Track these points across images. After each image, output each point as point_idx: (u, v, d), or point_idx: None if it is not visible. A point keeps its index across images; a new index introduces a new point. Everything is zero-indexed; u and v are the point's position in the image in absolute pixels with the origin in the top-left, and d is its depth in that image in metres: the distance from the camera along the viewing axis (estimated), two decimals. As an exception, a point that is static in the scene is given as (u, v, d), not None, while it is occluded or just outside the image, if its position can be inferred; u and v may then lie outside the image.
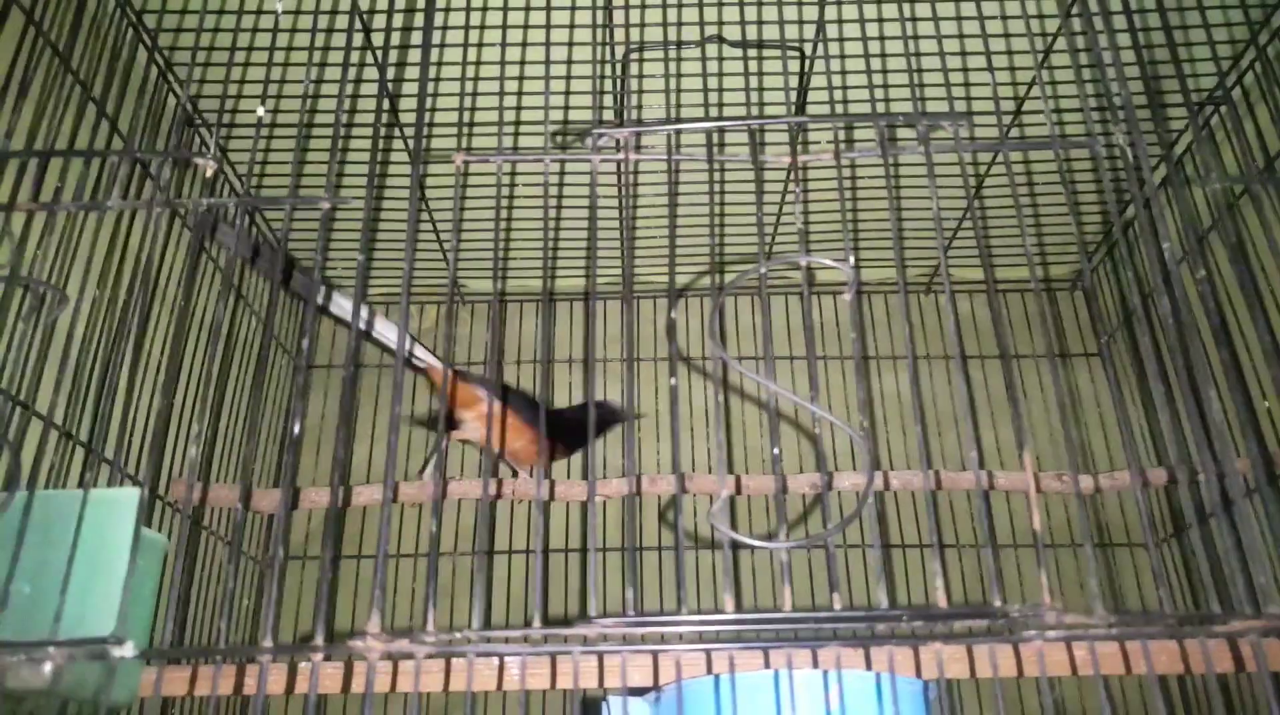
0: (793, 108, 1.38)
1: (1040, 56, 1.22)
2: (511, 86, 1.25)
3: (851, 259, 0.65)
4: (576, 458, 1.77)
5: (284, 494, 0.58)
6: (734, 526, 0.58)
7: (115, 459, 0.71)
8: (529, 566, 1.60)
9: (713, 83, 1.30)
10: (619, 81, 1.32)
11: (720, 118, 1.05)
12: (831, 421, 0.59)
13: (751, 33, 1.21)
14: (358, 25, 1.16)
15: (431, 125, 1.31)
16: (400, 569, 1.66)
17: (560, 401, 1.80)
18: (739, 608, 0.58)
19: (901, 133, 1.42)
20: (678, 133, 0.70)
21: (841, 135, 1.41)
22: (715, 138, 1.26)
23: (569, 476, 1.75)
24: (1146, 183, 0.69)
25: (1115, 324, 1.76)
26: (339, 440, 0.58)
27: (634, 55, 1.24)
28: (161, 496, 1.26)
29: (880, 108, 1.32)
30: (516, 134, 1.38)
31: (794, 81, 1.32)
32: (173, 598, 0.56)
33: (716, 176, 1.50)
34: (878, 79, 1.30)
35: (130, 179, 0.99)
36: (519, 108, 1.28)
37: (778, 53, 1.28)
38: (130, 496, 0.62)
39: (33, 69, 0.92)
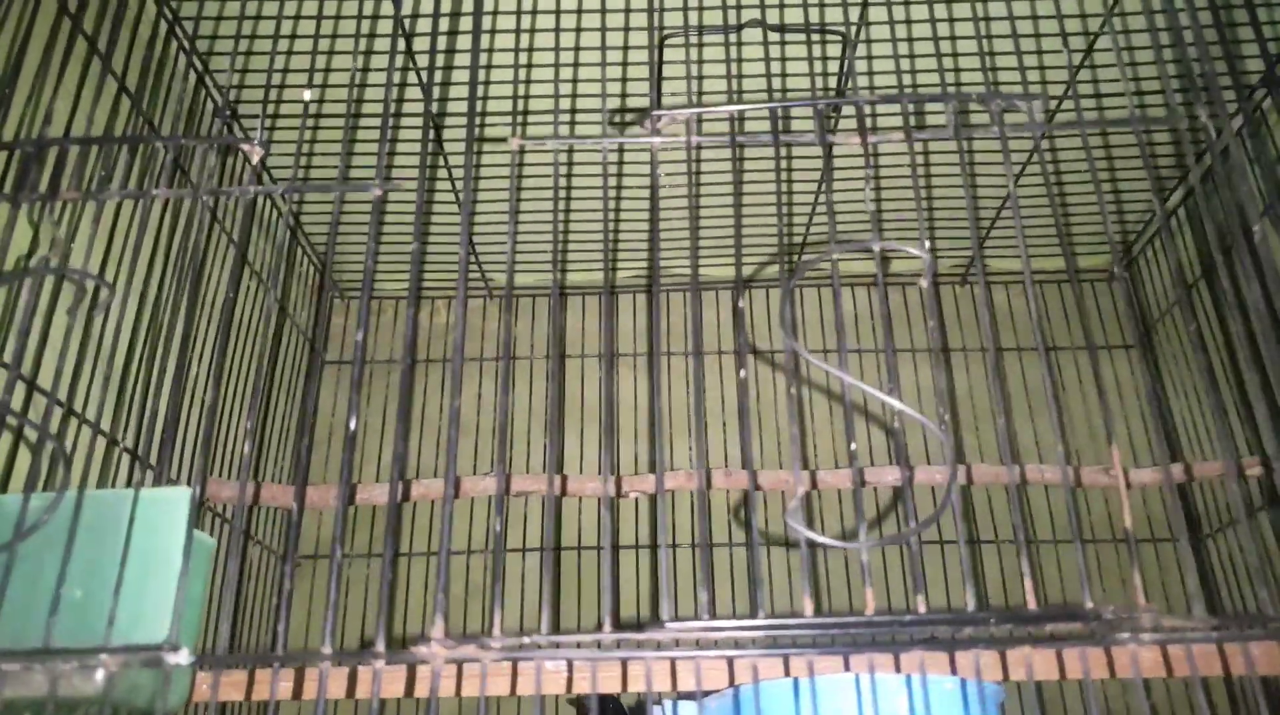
0: (838, 91, 1.35)
1: (1112, 24, 1.18)
2: (560, 71, 1.22)
3: (927, 244, 0.63)
4: (644, 452, 1.75)
5: (342, 490, 0.56)
6: (810, 525, 0.56)
7: (160, 464, 0.69)
8: (599, 564, 1.57)
9: (759, 68, 1.28)
10: (656, 67, 1.29)
11: (783, 98, 1.02)
12: (911, 416, 0.57)
13: (795, 16, 1.18)
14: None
15: (485, 114, 1.29)
16: (459, 565, 1.64)
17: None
18: (818, 611, 0.56)
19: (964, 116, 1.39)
20: (741, 114, 0.67)
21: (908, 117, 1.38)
22: (779, 119, 1.23)
23: (635, 470, 1.73)
24: (1225, 136, 0.66)
25: (1163, 310, 1.73)
26: (398, 435, 0.56)
27: (675, 40, 1.21)
28: (207, 506, 1.24)
29: (923, 91, 1.30)
30: (560, 118, 1.36)
31: (836, 66, 1.29)
32: (227, 601, 0.54)
33: (768, 161, 1.47)
34: (921, 62, 1.28)
35: (171, 171, 0.97)
36: (574, 94, 1.25)
37: (822, 35, 1.26)
38: (181, 496, 0.60)
39: (69, 63, 0.90)
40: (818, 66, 1.27)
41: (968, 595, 0.56)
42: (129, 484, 1.02)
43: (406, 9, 1.16)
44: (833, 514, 1.65)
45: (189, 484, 1.22)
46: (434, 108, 1.31)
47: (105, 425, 0.98)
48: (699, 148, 0.69)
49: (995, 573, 1.61)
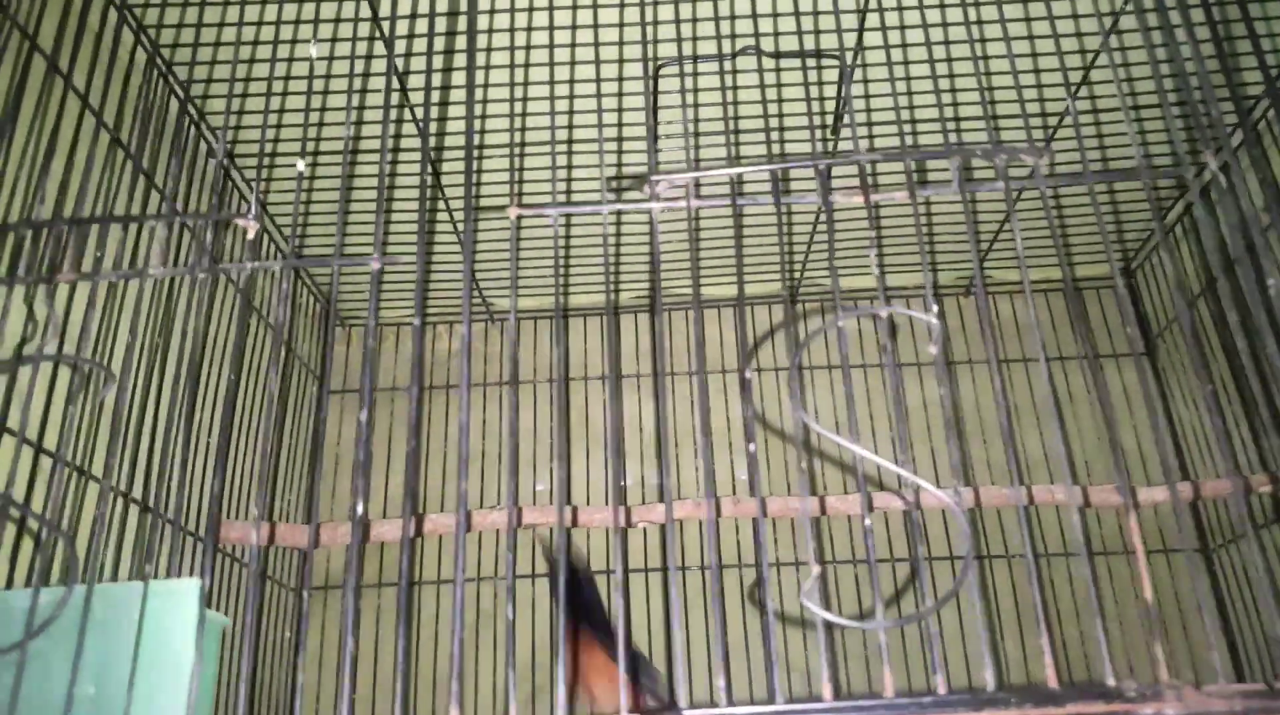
0: (829, 116, 1.34)
1: (1109, 46, 1.17)
2: (552, 134, 1.22)
3: (935, 308, 0.62)
4: (651, 474, 1.74)
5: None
6: (825, 600, 0.55)
7: (176, 517, 0.68)
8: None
9: (755, 95, 1.27)
10: (651, 98, 1.28)
11: (784, 158, 1.01)
12: (929, 491, 0.56)
13: (789, 44, 1.17)
14: (395, 84, 1.13)
15: (479, 184, 1.29)
16: (470, 592, 1.63)
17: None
18: (837, 694, 0.55)
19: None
20: (740, 177, 0.66)
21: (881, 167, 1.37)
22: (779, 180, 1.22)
23: (642, 492, 1.72)
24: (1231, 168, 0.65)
25: (1165, 322, 1.72)
26: (404, 540, 0.55)
27: (669, 71, 1.20)
28: (222, 550, 1.24)
29: (916, 128, 1.29)
30: (570, 183, 1.34)
31: (831, 91, 1.28)
32: (243, 681, 0.54)
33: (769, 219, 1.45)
34: (918, 84, 1.27)
35: (170, 235, 0.96)
36: (570, 153, 1.25)
37: (813, 63, 1.25)
38: (190, 588, 0.59)
39: (59, 121, 0.89)
40: (813, 91, 1.26)
41: (987, 675, 0.56)
42: (140, 538, 1.02)
43: (400, 66, 1.16)
44: (848, 590, 1.61)
45: (200, 531, 1.22)
46: (430, 168, 1.31)
47: (111, 479, 0.97)
48: (698, 211, 0.68)
49: (1011, 619, 1.60)
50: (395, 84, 1.19)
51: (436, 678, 1.56)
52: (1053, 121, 1.38)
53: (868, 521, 0.58)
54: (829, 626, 0.55)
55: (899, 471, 0.57)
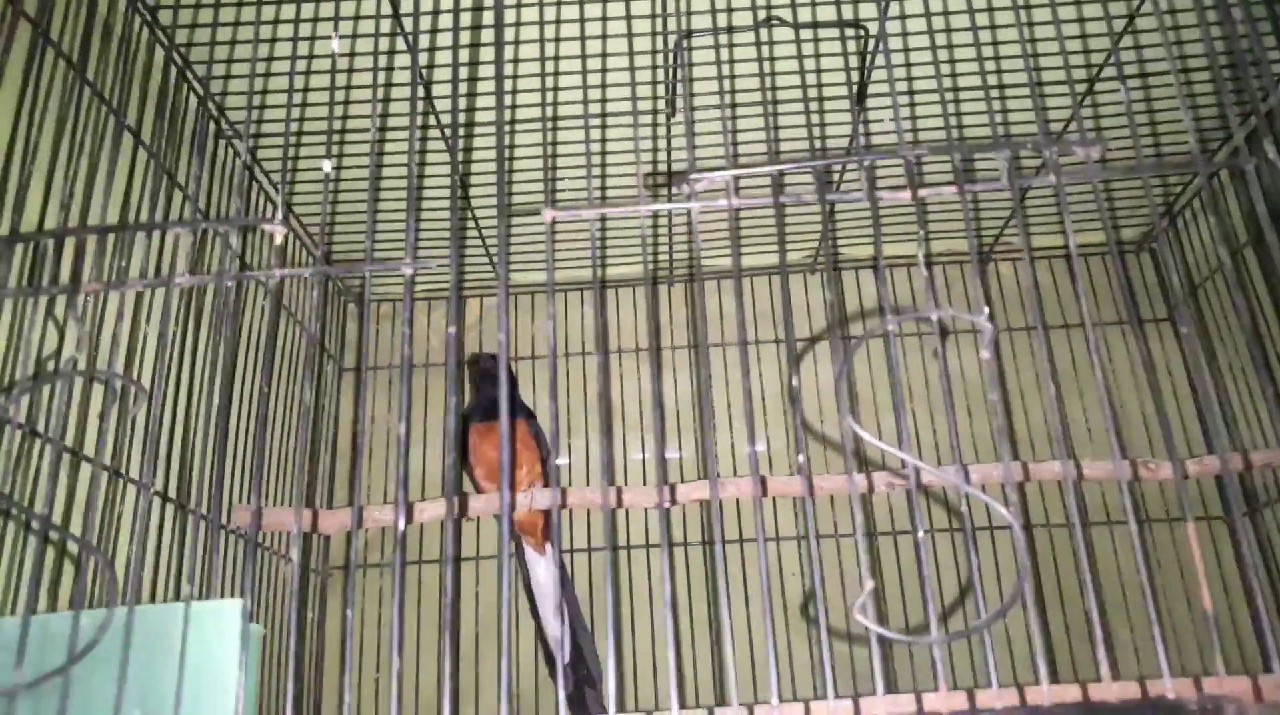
0: (861, 87, 1.30)
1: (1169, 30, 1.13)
2: (587, 123, 1.20)
3: (986, 310, 0.60)
4: (689, 447, 1.73)
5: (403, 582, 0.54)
6: (876, 613, 0.54)
7: (213, 513, 0.68)
8: (653, 631, 1.57)
9: (779, 66, 1.23)
10: (672, 71, 1.25)
11: (824, 153, 0.98)
12: (982, 500, 0.54)
13: (808, 15, 1.14)
14: (420, 84, 1.11)
15: (511, 184, 1.27)
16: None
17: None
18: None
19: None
20: (781, 173, 0.64)
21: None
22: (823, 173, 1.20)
23: (680, 466, 1.71)
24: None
25: (1207, 273, 1.67)
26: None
27: (700, 57, 1.17)
28: (261, 543, 1.25)
29: (960, 103, 1.24)
30: (604, 179, 1.31)
31: (855, 63, 1.24)
32: (290, 692, 0.53)
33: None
34: (945, 59, 1.23)
35: (195, 240, 0.96)
36: (604, 152, 1.22)
37: (836, 34, 1.21)
38: (231, 609, 0.59)
39: (83, 121, 0.88)
40: (839, 63, 1.22)
41: (1043, 686, 0.54)
42: (176, 536, 1.02)
43: (424, 60, 1.14)
44: (895, 600, 1.59)
45: (234, 525, 1.22)
46: (460, 170, 1.29)
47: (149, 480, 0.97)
48: (738, 210, 0.66)
49: (1055, 604, 1.58)
50: (419, 81, 1.16)
51: (479, 652, 1.57)
52: (1090, 89, 1.33)
53: (920, 534, 0.56)
54: (881, 640, 0.54)
55: (956, 482, 0.56)
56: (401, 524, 0.57)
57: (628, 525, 1.66)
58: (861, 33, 1.21)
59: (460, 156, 1.28)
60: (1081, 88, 1.32)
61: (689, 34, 1.16)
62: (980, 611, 0.55)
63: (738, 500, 1.61)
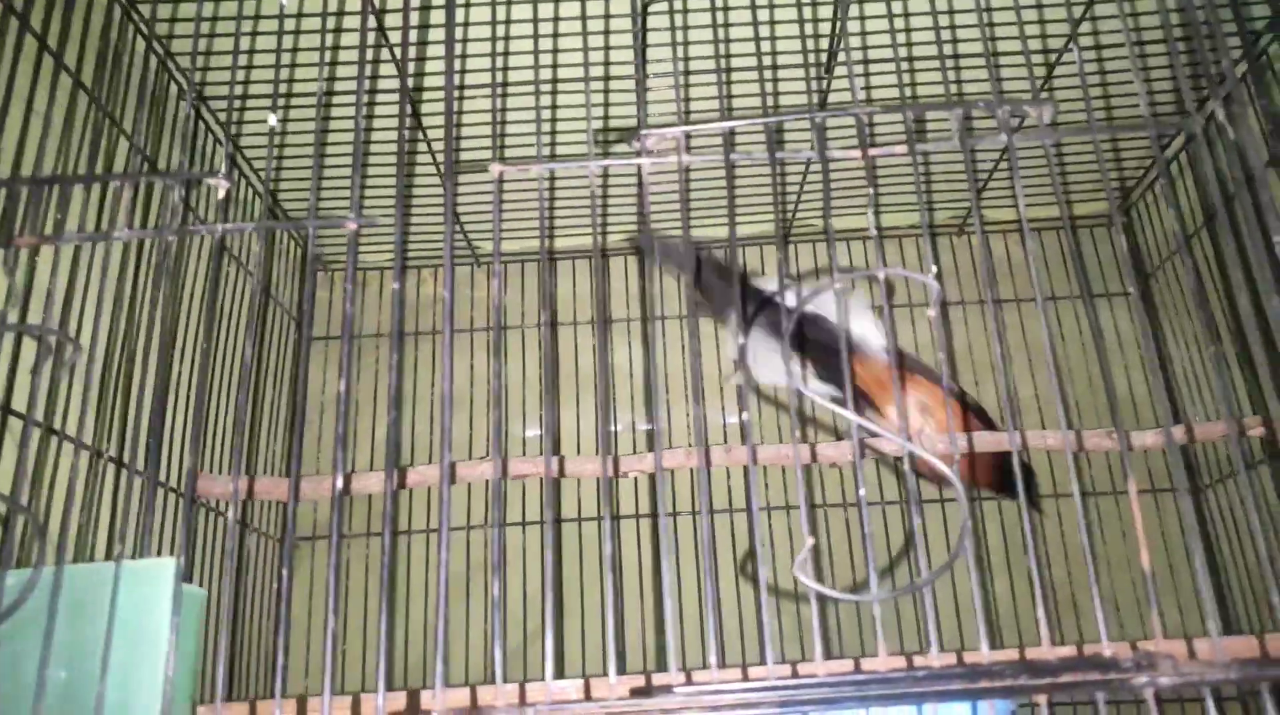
0: (821, 68, 1.30)
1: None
2: (538, 83, 1.18)
3: (935, 269, 0.60)
4: (640, 419, 1.73)
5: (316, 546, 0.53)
6: (818, 572, 0.54)
7: (149, 470, 0.66)
8: (602, 601, 1.56)
9: (747, 34, 1.22)
10: (638, 36, 1.24)
11: (778, 108, 0.98)
12: (929, 460, 0.54)
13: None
14: (372, 24, 1.08)
15: (460, 138, 1.25)
16: (459, 541, 1.62)
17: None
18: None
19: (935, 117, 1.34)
20: (732, 132, 0.63)
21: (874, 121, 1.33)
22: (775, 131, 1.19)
23: (633, 440, 1.71)
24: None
25: (1164, 256, 1.69)
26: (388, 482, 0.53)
27: (656, 11, 1.15)
28: (197, 500, 1.23)
29: (915, 73, 1.24)
30: (554, 135, 1.30)
31: (823, 44, 1.24)
32: (221, 651, 0.52)
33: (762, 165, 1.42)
34: (915, 19, 1.22)
35: (137, 192, 0.93)
36: (553, 98, 1.20)
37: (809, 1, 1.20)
38: (165, 567, 0.58)
39: (15, 66, 0.85)
40: (809, 31, 1.22)
41: (983, 647, 0.55)
42: (114, 496, 1.00)
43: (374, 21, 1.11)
44: (842, 561, 1.58)
45: (179, 485, 1.20)
46: (410, 119, 1.26)
47: (87, 437, 0.95)
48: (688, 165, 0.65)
49: (1002, 570, 1.60)
50: (372, 25, 1.14)
51: (427, 626, 1.57)
52: (1054, 59, 1.34)
53: (862, 491, 0.56)
54: (821, 598, 0.54)
55: (896, 440, 0.56)
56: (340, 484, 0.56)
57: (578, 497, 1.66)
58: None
59: (410, 105, 1.26)
60: (1040, 61, 1.33)
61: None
62: (924, 573, 0.56)
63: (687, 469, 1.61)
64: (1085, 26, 1.28)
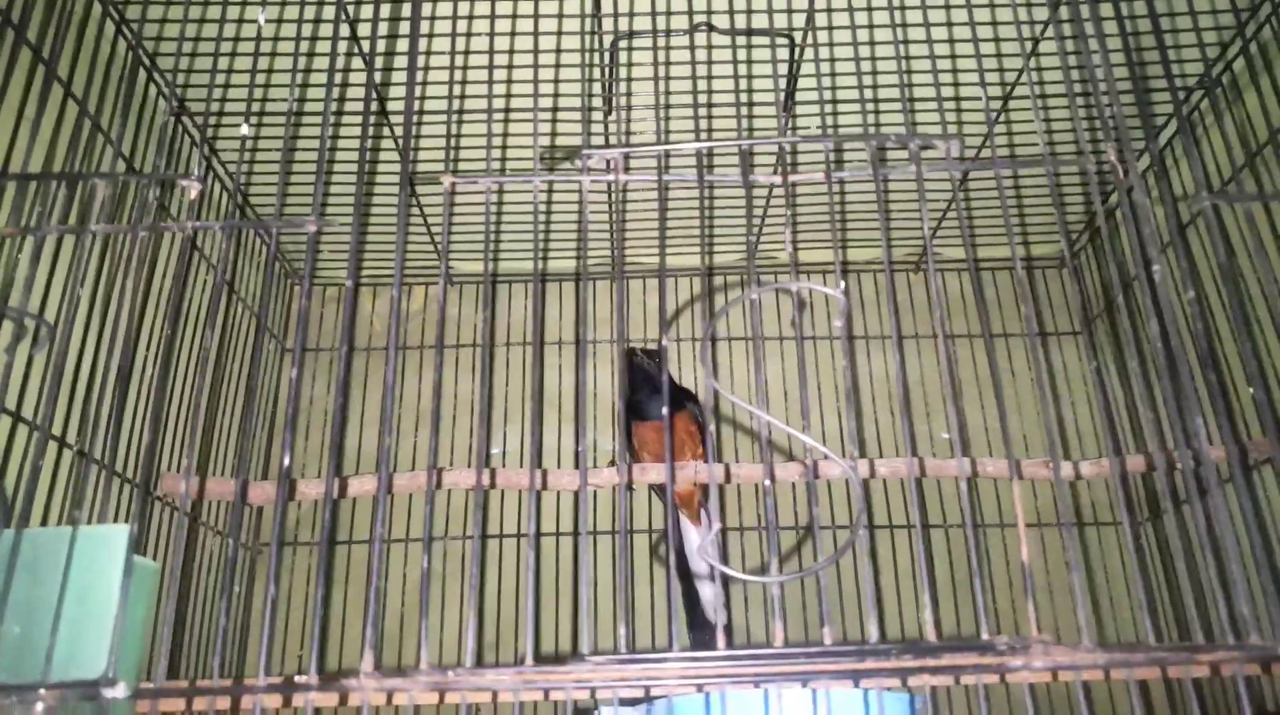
0: (782, 94, 1.36)
1: (1028, 57, 1.21)
2: (500, 103, 1.24)
3: (843, 285, 0.65)
4: (569, 438, 1.77)
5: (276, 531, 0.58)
6: (725, 557, 0.59)
7: (106, 459, 0.71)
8: (519, 586, 1.59)
9: (701, 71, 1.29)
10: (607, 70, 1.30)
11: (710, 138, 1.04)
12: (826, 455, 0.60)
13: (740, 22, 1.19)
14: (344, 33, 1.14)
15: (418, 150, 1.30)
16: (391, 555, 1.66)
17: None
18: (730, 644, 0.59)
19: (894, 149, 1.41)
20: (666, 154, 0.69)
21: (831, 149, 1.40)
22: (705, 156, 1.25)
23: (559, 456, 1.76)
24: (1134, 184, 0.69)
25: (1099, 307, 1.77)
26: (329, 485, 0.58)
27: (622, 44, 1.22)
28: (159, 497, 1.26)
29: (870, 105, 1.31)
30: (504, 151, 1.37)
31: (784, 70, 1.31)
32: (166, 628, 0.57)
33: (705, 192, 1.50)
34: (867, 69, 1.29)
35: (115, 190, 0.98)
36: (506, 119, 1.26)
37: (767, 42, 1.27)
38: (119, 533, 0.62)
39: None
40: (768, 69, 1.28)
41: (871, 627, 0.60)
42: (74, 481, 1.04)
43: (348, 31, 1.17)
44: (752, 546, 1.61)
45: (136, 475, 1.24)
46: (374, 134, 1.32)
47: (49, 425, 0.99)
48: (627, 185, 0.71)
49: (909, 592, 1.64)
50: (344, 50, 1.20)
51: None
52: (997, 105, 1.41)
53: (768, 482, 0.62)
54: (725, 579, 0.59)
55: (801, 437, 0.61)
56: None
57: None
58: (788, 41, 1.27)
59: (375, 119, 1.31)
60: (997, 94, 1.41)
61: (624, 36, 1.22)
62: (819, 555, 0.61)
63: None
64: (1033, 75, 1.35)
